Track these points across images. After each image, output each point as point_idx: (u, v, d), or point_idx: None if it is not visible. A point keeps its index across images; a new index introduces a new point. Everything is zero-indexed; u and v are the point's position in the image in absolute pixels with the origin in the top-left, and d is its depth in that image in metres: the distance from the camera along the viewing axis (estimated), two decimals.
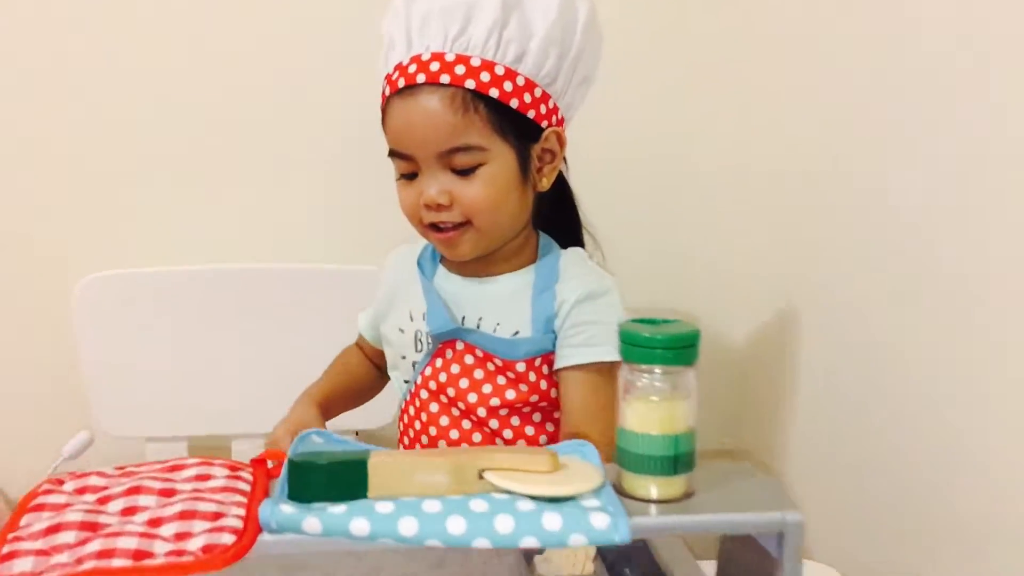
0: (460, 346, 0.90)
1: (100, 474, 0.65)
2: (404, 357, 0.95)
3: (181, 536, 0.57)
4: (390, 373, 1.00)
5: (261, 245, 1.39)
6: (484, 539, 0.58)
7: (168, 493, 0.62)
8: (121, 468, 0.67)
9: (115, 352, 1.32)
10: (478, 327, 0.90)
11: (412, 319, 0.94)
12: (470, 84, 0.85)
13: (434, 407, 0.91)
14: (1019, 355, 0.82)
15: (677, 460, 0.64)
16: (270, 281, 1.34)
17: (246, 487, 0.64)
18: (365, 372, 1.05)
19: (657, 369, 0.64)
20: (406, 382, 0.96)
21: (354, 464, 0.63)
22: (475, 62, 0.85)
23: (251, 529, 0.58)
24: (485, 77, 0.85)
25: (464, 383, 0.90)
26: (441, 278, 0.95)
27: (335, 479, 0.62)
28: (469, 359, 0.90)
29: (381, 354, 1.01)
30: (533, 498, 0.61)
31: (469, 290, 0.93)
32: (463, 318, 0.91)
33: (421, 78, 0.85)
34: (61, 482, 0.64)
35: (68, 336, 1.33)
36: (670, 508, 0.64)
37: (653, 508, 0.65)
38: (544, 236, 0.95)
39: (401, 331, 0.95)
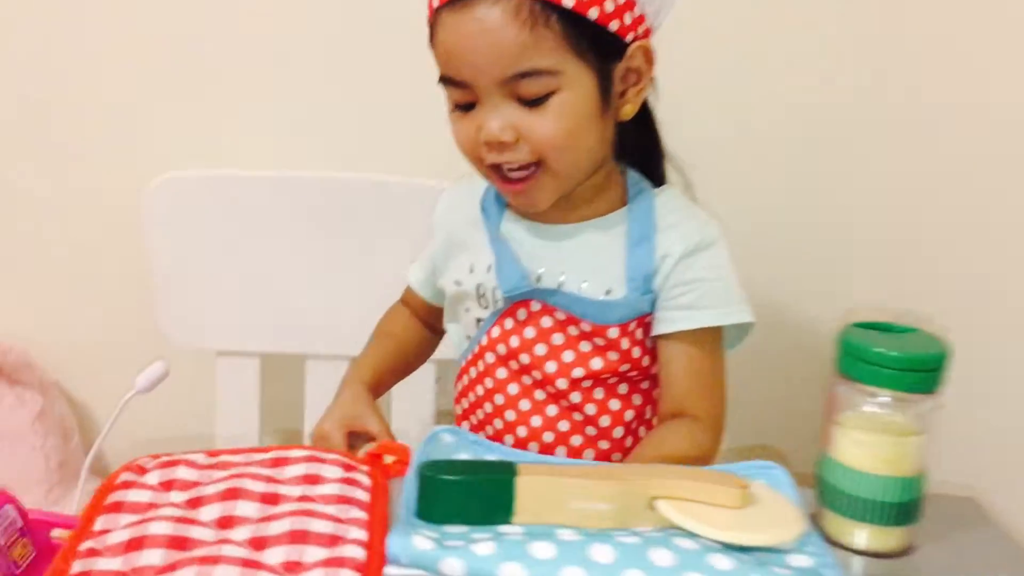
0: (536, 306, 0.75)
1: (189, 463, 0.54)
2: (468, 310, 0.80)
3: (291, 567, 0.46)
4: (446, 326, 0.86)
5: (348, 153, 1.28)
6: None
7: (272, 499, 0.51)
8: (214, 455, 0.56)
9: (187, 258, 1.21)
10: (560, 286, 0.75)
11: (473, 271, 0.79)
12: None
13: (501, 373, 0.77)
14: None
15: (903, 508, 0.51)
16: (355, 192, 1.21)
17: (364, 496, 0.52)
18: (416, 337, 0.90)
19: (887, 394, 0.51)
20: (468, 337, 0.81)
21: (499, 483, 0.51)
22: None
23: (376, 561, 0.47)
24: None
25: (541, 349, 0.75)
26: (510, 224, 0.79)
27: (475, 499, 0.51)
28: (547, 322, 0.75)
29: (434, 312, 0.87)
30: (723, 545, 0.49)
31: (546, 240, 0.77)
32: (539, 275, 0.76)
33: None
34: (143, 470, 0.53)
35: (140, 239, 1.24)
36: (887, 566, 0.51)
37: (857, 561, 0.52)
38: (632, 173, 0.78)
39: (458, 284, 0.80)
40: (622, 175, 0.78)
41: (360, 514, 0.50)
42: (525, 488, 0.51)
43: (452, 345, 0.86)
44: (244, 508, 0.50)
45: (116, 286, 1.35)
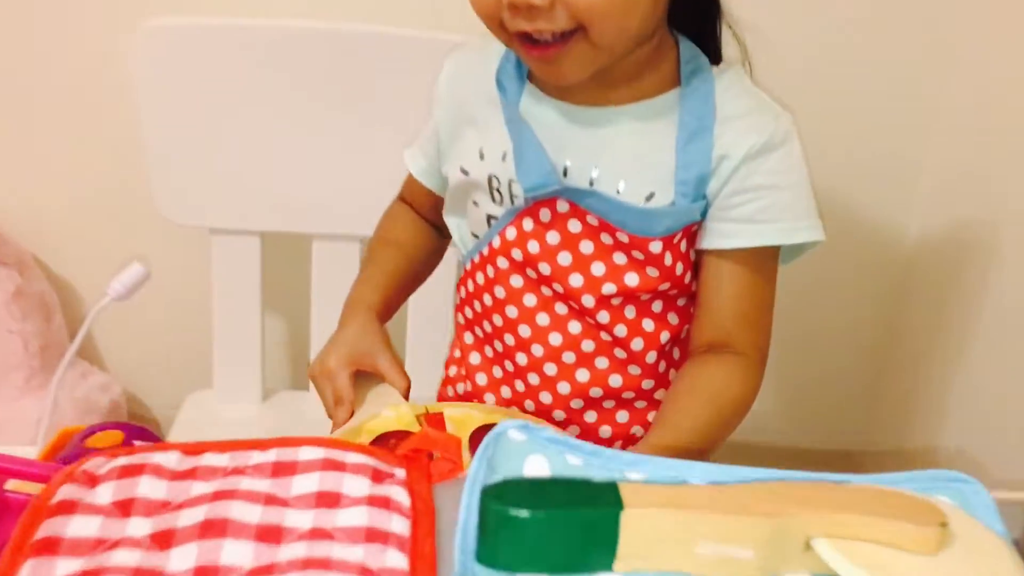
0: (563, 207, 0.62)
1: (155, 469, 0.38)
2: (476, 204, 0.67)
3: None
4: (447, 220, 0.73)
5: (362, 3, 1.13)
6: None
7: (274, 535, 0.36)
8: (193, 452, 0.40)
9: (180, 120, 1.09)
10: (591, 184, 0.62)
11: (484, 157, 0.66)
12: None
13: (516, 281, 0.66)
14: None
15: None
16: (369, 47, 1.07)
17: (403, 526, 0.37)
18: (424, 242, 0.77)
19: None
20: (475, 236, 0.68)
21: (598, 519, 0.35)
22: None
23: None
24: None
25: (565, 259, 0.63)
26: (532, 104, 0.65)
27: (563, 539, 0.36)
28: (575, 226, 0.63)
29: (443, 206, 0.74)
30: None
31: (577, 126, 0.64)
32: (566, 167, 0.63)
33: None
34: (93, 480, 0.38)
35: (129, 97, 1.10)
36: None
37: None
38: (686, 45, 0.65)
39: (464, 172, 0.67)
40: (675, 47, 0.64)
41: (399, 560, 0.35)
42: (633, 524, 0.36)
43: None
44: (232, 552, 0.35)
45: (102, 150, 1.24)
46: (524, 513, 0.36)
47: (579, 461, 0.41)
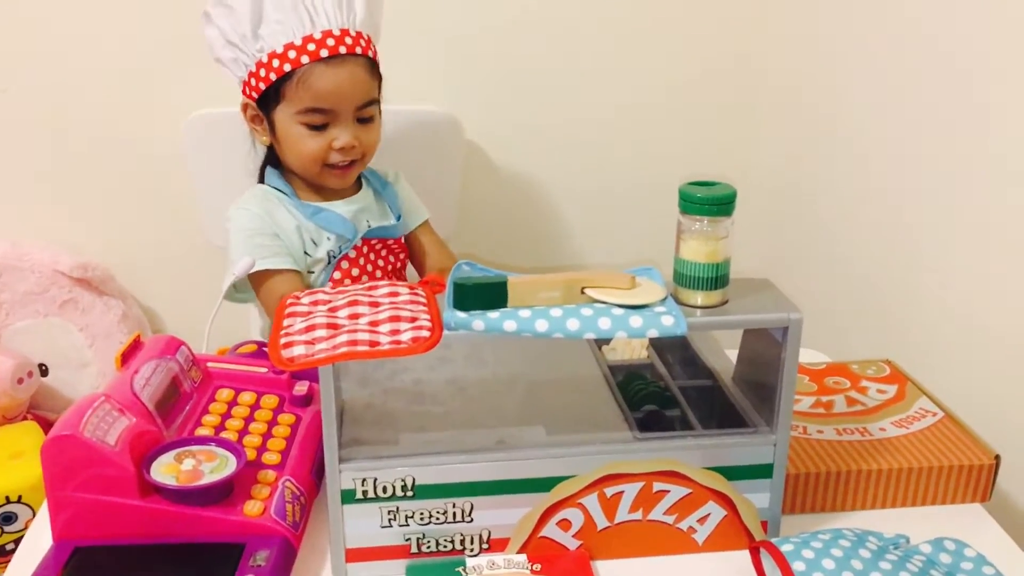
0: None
1: (322, 292, 0.95)
2: (312, 272, 1.35)
3: (394, 332, 0.88)
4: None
5: None
6: (591, 333, 0.89)
7: (375, 305, 0.92)
8: (335, 287, 0.97)
9: (224, 179, 1.63)
10: (369, 225, 1.37)
11: (318, 245, 1.34)
12: (371, 54, 1.25)
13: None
14: None
15: (717, 279, 0.94)
16: None
17: (423, 299, 0.94)
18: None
19: (706, 218, 0.92)
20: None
21: (499, 284, 0.92)
22: (365, 37, 1.23)
23: (438, 327, 0.89)
24: (372, 49, 1.25)
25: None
26: (315, 205, 1.36)
27: (486, 294, 0.92)
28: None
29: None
30: (620, 306, 0.91)
31: (344, 209, 1.37)
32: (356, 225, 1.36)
33: (343, 49, 1.18)
34: (298, 298, 0.95)
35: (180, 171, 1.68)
36: (711, 311, 0.94)
37: (699, 311, 0.95)
38: None
39: (308, 256, 1.35)
40: None
41: (424, 308, 0.92)
42: (512, 286, 0.92)
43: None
44: (361, 309, 0.91)
45: (166, 209, 1.78)
46: (471, 283, 0.92)
47: (494, 275, 0.98)
